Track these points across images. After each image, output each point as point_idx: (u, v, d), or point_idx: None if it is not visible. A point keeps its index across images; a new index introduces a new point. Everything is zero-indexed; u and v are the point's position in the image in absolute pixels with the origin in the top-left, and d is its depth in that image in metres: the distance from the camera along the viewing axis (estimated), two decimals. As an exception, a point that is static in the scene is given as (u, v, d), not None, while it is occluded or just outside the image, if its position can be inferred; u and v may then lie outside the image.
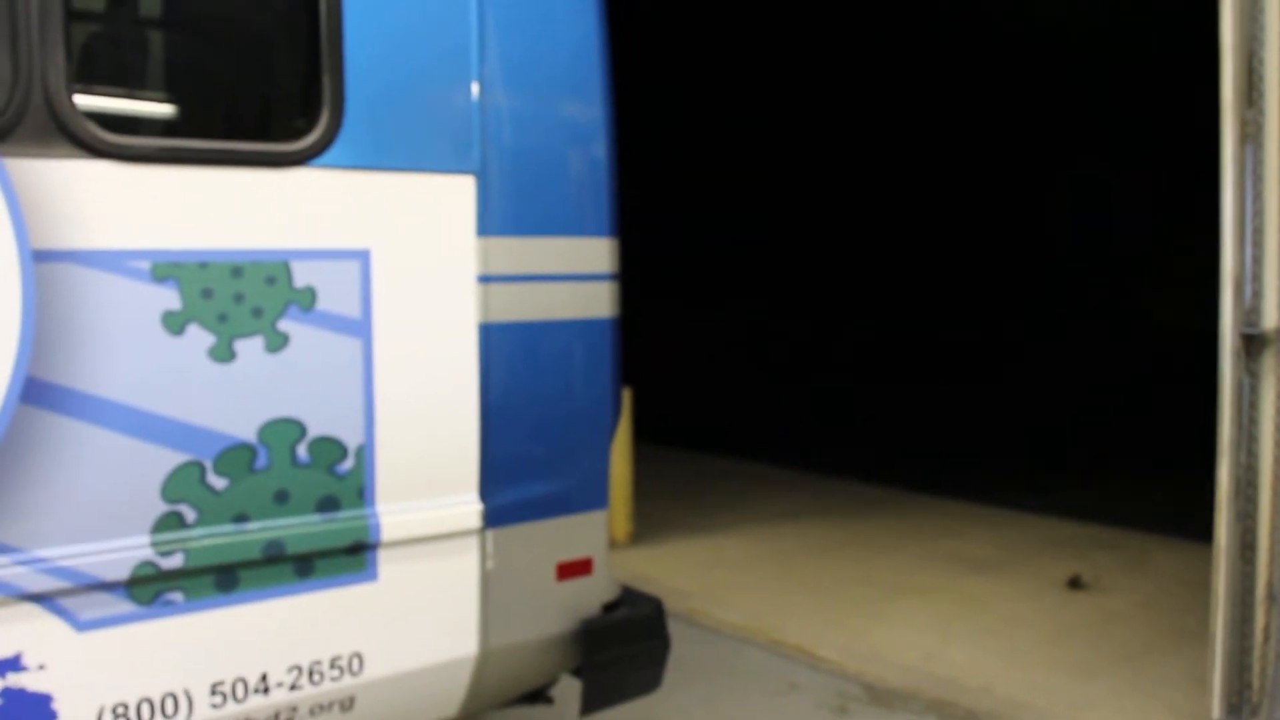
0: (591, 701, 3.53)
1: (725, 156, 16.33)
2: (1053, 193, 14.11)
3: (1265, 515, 4.04)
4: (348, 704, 3.08)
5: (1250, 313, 4.02)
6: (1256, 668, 4.06)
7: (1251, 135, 3.98)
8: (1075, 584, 6.55)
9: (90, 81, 2.66)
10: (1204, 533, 4.16)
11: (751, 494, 9.17)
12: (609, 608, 3.55)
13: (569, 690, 3.72)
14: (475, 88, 3.09)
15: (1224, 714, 4.19)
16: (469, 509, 3.16)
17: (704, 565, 7.17)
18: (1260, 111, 3.95)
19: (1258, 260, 4.00)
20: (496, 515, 3.21)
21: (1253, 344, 3.99)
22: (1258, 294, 4.01)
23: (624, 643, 3.55)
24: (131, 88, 3.03)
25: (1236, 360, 4.04)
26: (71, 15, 2.57)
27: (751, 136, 15.92)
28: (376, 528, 3.02)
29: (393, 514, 3.04)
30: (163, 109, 3.08)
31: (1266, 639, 4.01)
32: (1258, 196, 3.98)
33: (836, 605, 6.30)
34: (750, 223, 16.66)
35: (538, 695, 3.74)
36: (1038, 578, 6.74)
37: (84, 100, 2.58)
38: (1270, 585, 3.98)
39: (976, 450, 10.85)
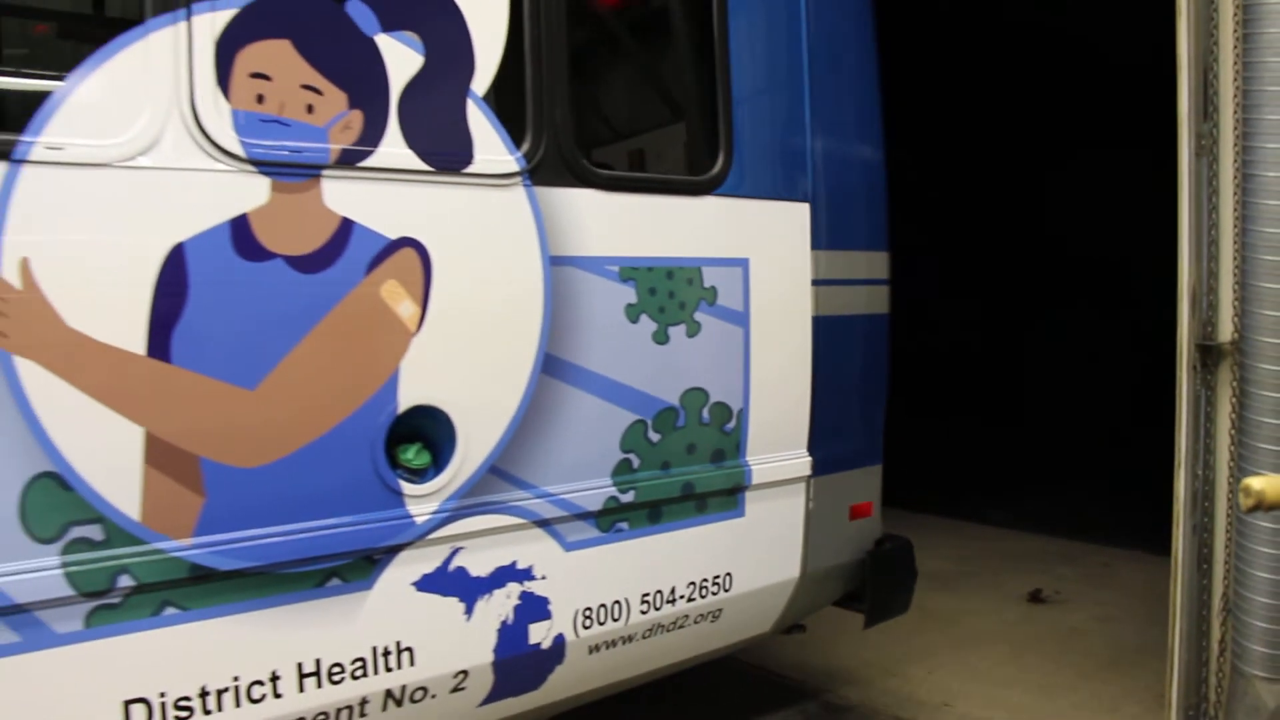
0: (873, 617, 4.45)
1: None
2: (1021, 201, 14.38)
3: (1221, 528, 4.04)
4: (717, 615, 3.93)
5: (1206, 325, 4.02)
6: (1213, 681, 4.06)
7: (1207, 148, 3.98)
8: (1036, 598, 6.38)
9: (582, 130, 3.49)
10: (1168, 546, 4.13)
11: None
12: (878, 543, 4.47)
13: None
14: (808, 136, 4.01)
15: (1181, 727, 4.18)
16: (803, 461, 4.05)
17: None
18: (1215, 125, 3.95)
19: (1213, 273, 4.00)
20: (817, 466, 4.10)
21: (1209, 356, 4.01)
22: (1213, 306, 4.01)
23: (892, 571, 4.47)
24: (605, 133, 3.87)
25: (1193, 372, 4.04)
26: (571, 85, 3.41)
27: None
28: (749, 474, 3.88)
29: (758, 463, 3.91)
30: (626, 149, 3.92)
31: (1222, 652, 4.00)
32: (1214, 209, 3.98)
33: (793, 619, 5.85)
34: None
35: (793, 625, 4.61)
36: (999, 592, 6.55)
37: (579, 143, 3.42)
38: (1226, 598, 3.99)
39: (936, 461, 10.45)
